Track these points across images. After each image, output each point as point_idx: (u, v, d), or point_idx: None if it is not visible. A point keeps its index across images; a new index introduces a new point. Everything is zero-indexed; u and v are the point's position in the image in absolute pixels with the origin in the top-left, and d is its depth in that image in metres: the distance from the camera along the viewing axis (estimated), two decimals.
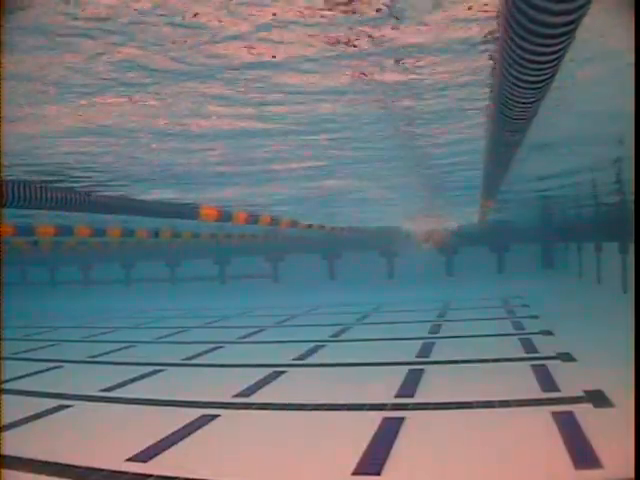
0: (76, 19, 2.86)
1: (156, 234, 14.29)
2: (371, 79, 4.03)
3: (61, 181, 7.01)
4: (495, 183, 7.88)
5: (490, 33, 3.24)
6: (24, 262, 23.36)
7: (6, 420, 6.38)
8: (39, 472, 4.93)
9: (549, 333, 10.37)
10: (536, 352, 8.81)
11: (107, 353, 11.46)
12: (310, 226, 15.42)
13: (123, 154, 5.97)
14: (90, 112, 4.47)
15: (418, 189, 10.09)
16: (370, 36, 3.25)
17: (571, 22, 2.00)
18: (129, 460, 5.12)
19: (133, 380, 8.59)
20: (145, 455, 5.23)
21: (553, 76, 2.77)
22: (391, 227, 20.06)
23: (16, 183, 5.99)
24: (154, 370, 9.28)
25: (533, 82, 2.79)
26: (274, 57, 3.57)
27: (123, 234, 13.40)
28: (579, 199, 12.52)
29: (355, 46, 3.40)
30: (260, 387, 7.69)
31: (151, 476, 4.75)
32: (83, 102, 4.22)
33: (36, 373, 9.62)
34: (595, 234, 16.11)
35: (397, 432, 5.44)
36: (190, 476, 4.68)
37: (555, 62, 2.48)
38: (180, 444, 5.51)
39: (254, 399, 7.08)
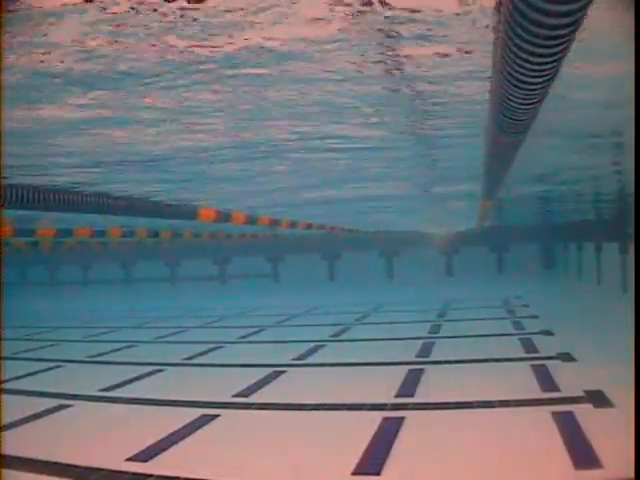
0: None
1: (156, 234, 14.27)
2: None
3: None
4: (496, 183, 7.85)
5: None
6: (24, 262, 23.32)
7: (6, 420, 6.37)
8: (39, 472, 4.93)
9: (549, 333, 10.38)
10: (536, 352, 8.82)
11: (107, 353, 11.47)
12: (310, 226, 15.39)
13: None
14: None
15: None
16: None
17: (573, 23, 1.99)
18: (129, 460, 5.11)
19: (133, 380, 8.59)
20: (145, 455, 5.23)
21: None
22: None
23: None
24: (154, 370, 9.28)
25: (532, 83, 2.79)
26: None
27: (123, 234, 13.39)
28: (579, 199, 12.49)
29: None
30: (260, 387, 7.69)
31: (151, 476, 4.75)
32: None
33: (36, 373, 9.62)
34: (595, 234, 16.10)
35: (397, 432, 5.45)
36: (190, 476, 4.69)
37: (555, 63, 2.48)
38: (180, 444, 5.51)
39: (254, 399, 7.08)
